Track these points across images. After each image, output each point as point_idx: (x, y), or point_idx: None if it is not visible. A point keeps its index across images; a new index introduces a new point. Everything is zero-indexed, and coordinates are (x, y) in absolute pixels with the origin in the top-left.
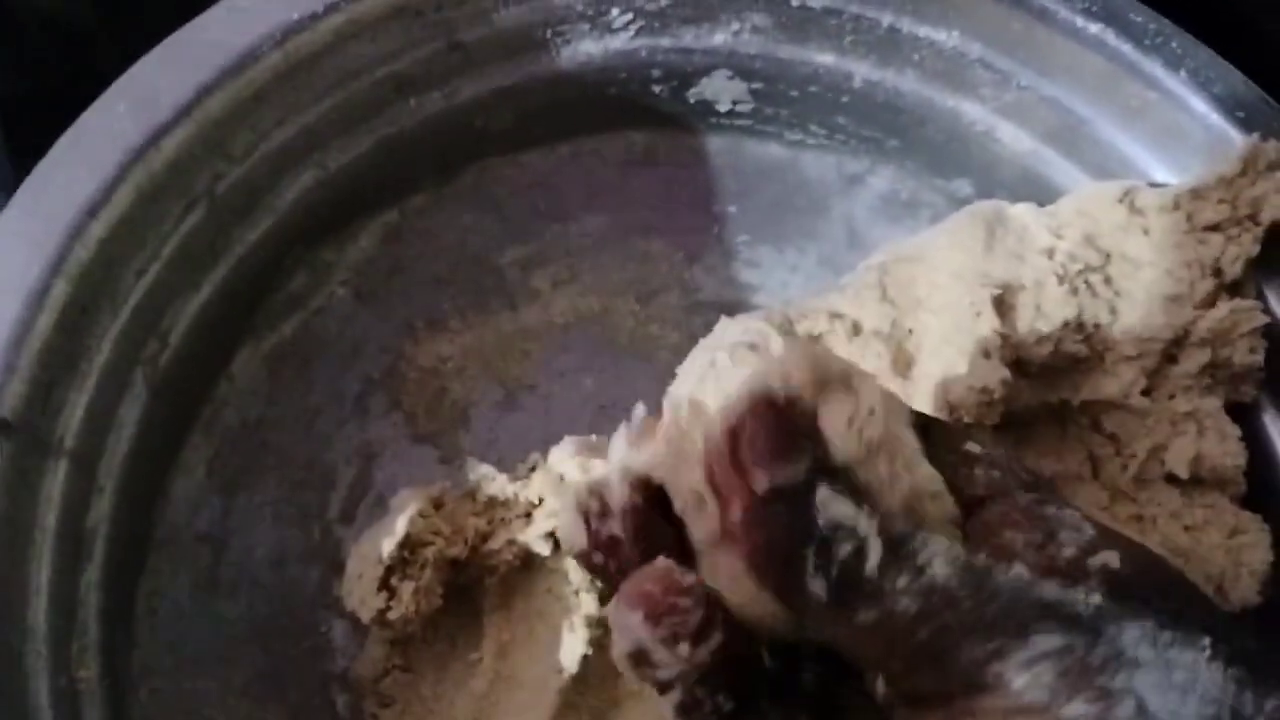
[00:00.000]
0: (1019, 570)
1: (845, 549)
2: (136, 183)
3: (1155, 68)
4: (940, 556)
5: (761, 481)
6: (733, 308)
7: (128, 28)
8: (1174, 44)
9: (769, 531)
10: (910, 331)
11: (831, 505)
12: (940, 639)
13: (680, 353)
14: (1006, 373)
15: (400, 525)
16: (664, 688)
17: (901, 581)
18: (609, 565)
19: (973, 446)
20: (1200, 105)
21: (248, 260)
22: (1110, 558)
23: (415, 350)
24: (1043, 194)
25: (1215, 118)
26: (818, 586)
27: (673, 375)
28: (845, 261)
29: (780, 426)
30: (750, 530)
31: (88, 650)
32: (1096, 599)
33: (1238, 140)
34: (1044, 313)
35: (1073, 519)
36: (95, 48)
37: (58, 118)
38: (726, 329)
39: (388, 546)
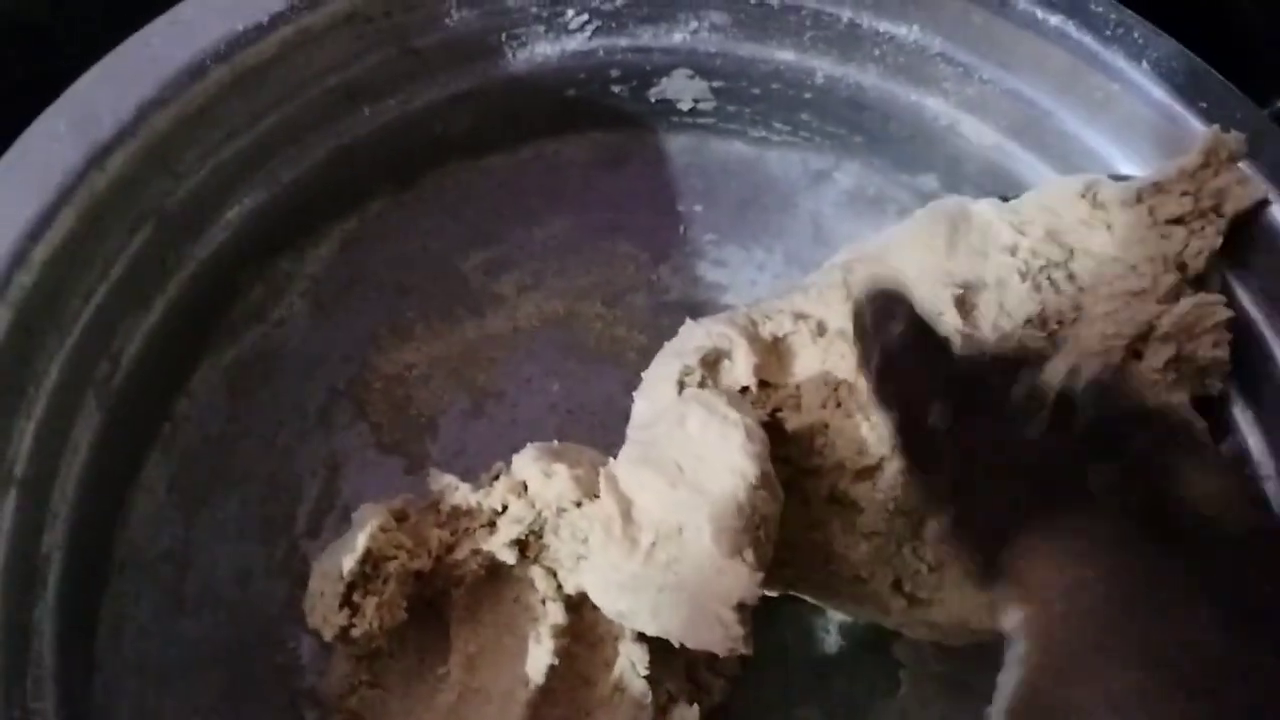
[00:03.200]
0: None
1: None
2: (79, 204)
3: (1117, 59)
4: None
5: None
6: (701, 308)
7: (85, 26)
8: (1135, 34)
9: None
10: None
11: None
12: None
13: (648, 354)
14: None
15: (360, 541)
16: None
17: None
18: None
19: None
20: (1163, 96)
21: (201, 276)
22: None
23: (379, 359)
24: (1007, 187)
25: (1177, 109)
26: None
27: (640, 378)
28: (812, 258)
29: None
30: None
31: (43, 680)
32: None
33: (1200, 131)
34: (1007, 310)
35: None
36: (52, 46)
37: (15, 118)
38: (691, 332)
39: (348, 563)
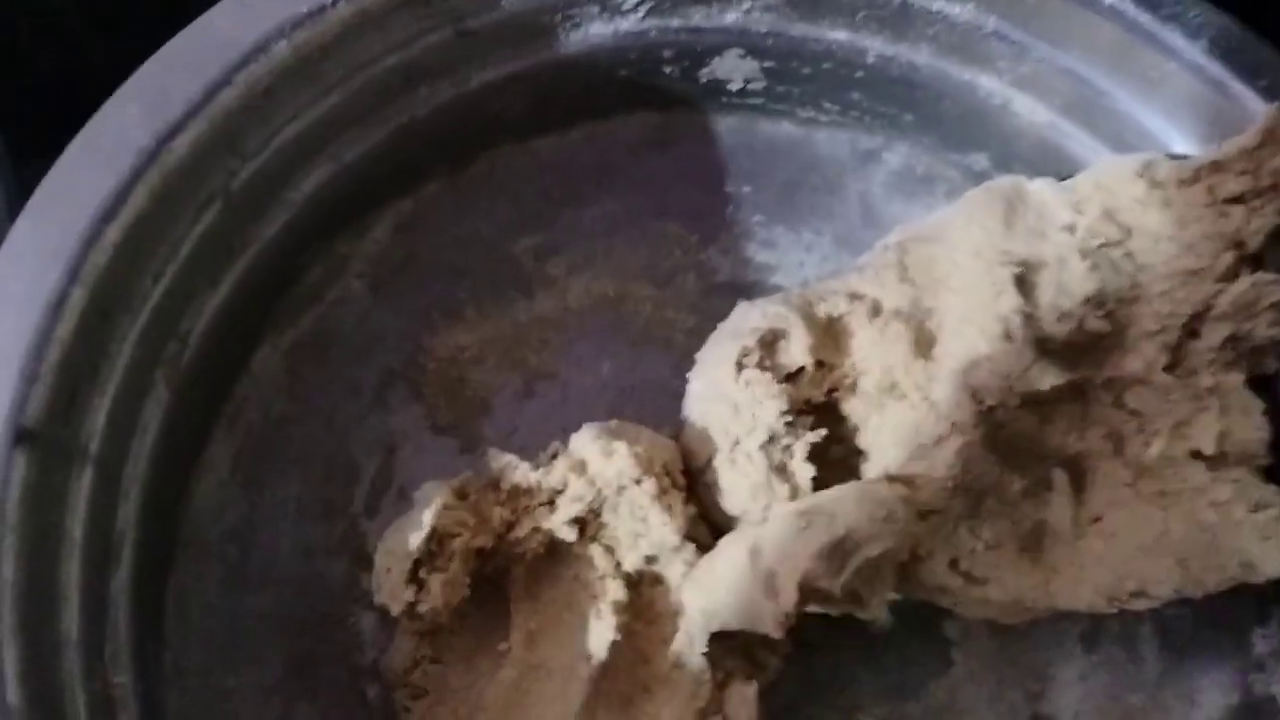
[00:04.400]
0: None
1: None
2: (150, 185)
3: (1174, 37)
4: None
5: None
6: (750, 290)
7: (115, 22)
8: (1193, 12)
9: None
10: (931, 311)
11: None
12: None
13: (698, 336)
14: (1031, 355)
15: (426, 518)
16: None
17: None
18: None
19: None
20: (1221, 74)
21: (264, 256)
22: None
23: (433, 341)
24: (1060, 167)
25: (1237, 87)
26: None
27: (690, 359)
28: (861, 240)
29: None
30: None
31: (120, 654)
32: None
33: (1259, 110)
34: (1066, 289)
35: None
36: (84, 43)
37: (49, 115)
38: (746, 313)
39: (415, 540)
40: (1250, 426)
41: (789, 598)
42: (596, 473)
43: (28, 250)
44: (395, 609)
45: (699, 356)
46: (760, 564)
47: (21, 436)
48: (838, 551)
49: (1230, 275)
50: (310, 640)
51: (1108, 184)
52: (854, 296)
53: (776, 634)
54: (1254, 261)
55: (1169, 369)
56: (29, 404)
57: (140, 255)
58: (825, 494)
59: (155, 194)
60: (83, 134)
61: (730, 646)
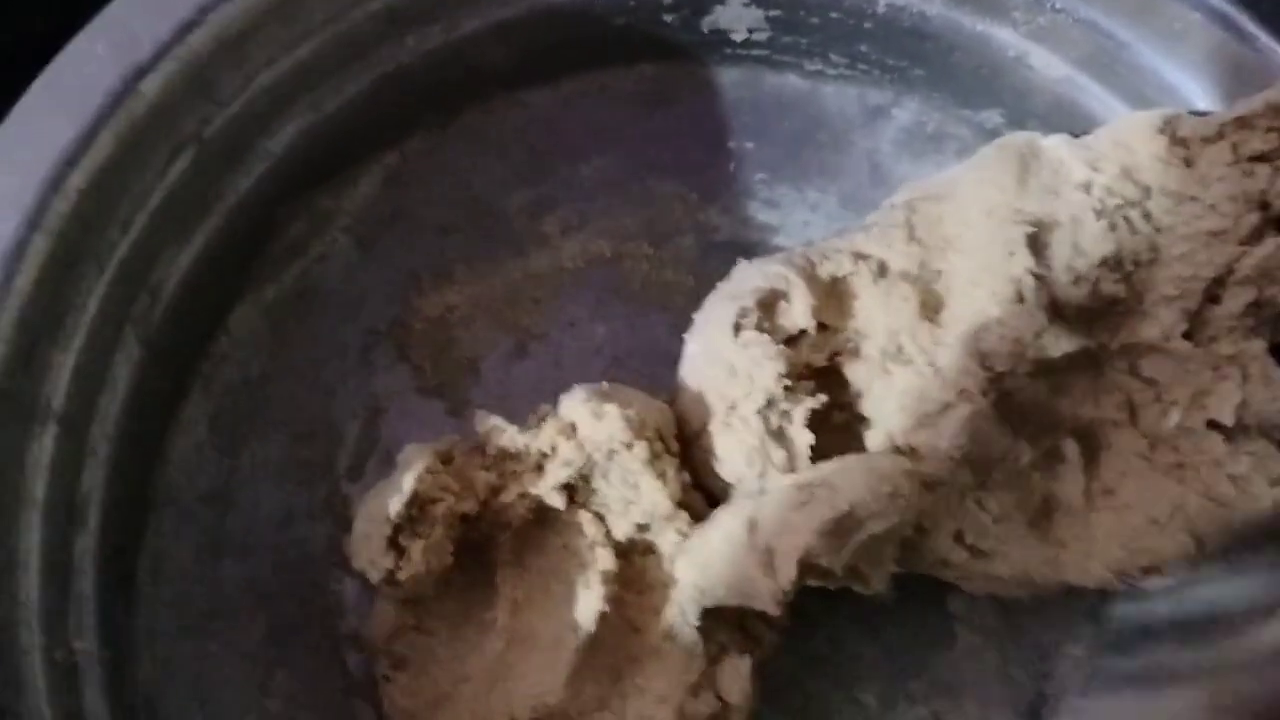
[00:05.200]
0: None
1: None
2: (117, 129)
3: None
4: None
5: None
6: (751, 250)
7: None
8: None
9: None
10: (939, 273)
11: None
12: None
13: (696, 298)
14: (1043, 319)
15: (407, 482)
16: None
17: None
18: None
19: None
20: (1248, 26)
21: (241, 209)
22: None
23: (421, 300)
24: (1077, 124)
25: (1264, 40)
26: None
27: (688, 321)
28: (868, 199)
29: None
30: None
31: (85, 621)
32: None
33: None
34: (1081, 250)
35: None
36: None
37: (30, 68)
38: (746, 273)
39: (395, 505)
40: (1271, 397)
41: (787, 575)
42: (586, 436)
43: None
44: (374, 576)
45: (696, 317)
46: (758, 539)
47: None
48: (840, 528)
49: (1254, 238)
50: (290, 606)
51: (1126, 141)
52: (859, 256)
53: (774, 611)
54: (1279, 223)
55: (1187, 336)
56: None
57: (107, 203)
58: (827, 466)
59: (122, 139)
60: (46, 74)
61: (724, 620)
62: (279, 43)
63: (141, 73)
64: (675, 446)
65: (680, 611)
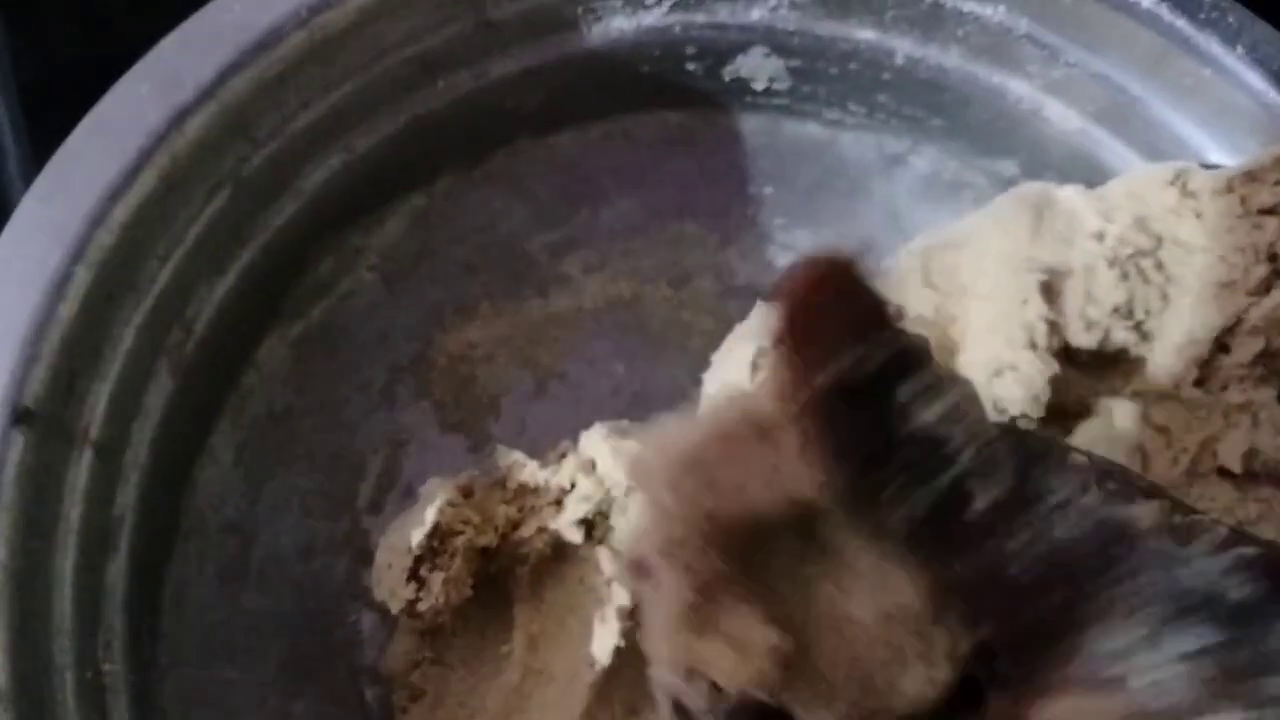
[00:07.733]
0: (1165, 542)
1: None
2: (159, 166)
3: (1210, 43)
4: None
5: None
6: (769, 293)
7: (149, 9)
8: (1230, 18)
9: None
10: (955, 318)
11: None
12: (1055, 617)
13: (714, 339)
14: (1055, 368)
15: (429, 515)
16: None
17: (1017, 527)
18: None
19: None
20: (1257, 82)
21: (274, 245)
22: (1248, 550)
23: (444, 337)
24: (1091, 175)
25: (1273, 95)
26: (898, 520)
27: (706, 363)
28: (886, 245)
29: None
30: (810, 439)
31: (113, 643)
32: (1248, 590)
33: None
34: (1093, 299)
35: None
36: (116, 31)
37: (80, 104)
38: (765, 315)
39: (417, 536)
40: None
41: None
42: (605, 473)
43: (33, 228)
44: (395, 606)
45: (715, 358)
46: None
47: (20, 416)
48: None
49: (1262, 289)
50: (309, 638)
51: (1139, 192)
52: None
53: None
54: None
55: (1198, 384)
56: (28, 383)
57: (147, 238)
58: None
59: (164, 176)
60: (93, 113)
61: None
62: (315, 86)
63: (184, 113)
64: None
65: None
